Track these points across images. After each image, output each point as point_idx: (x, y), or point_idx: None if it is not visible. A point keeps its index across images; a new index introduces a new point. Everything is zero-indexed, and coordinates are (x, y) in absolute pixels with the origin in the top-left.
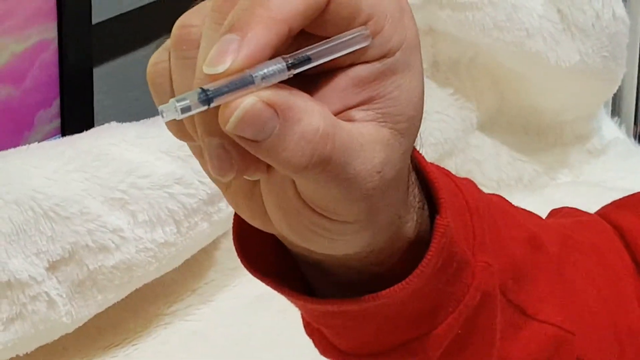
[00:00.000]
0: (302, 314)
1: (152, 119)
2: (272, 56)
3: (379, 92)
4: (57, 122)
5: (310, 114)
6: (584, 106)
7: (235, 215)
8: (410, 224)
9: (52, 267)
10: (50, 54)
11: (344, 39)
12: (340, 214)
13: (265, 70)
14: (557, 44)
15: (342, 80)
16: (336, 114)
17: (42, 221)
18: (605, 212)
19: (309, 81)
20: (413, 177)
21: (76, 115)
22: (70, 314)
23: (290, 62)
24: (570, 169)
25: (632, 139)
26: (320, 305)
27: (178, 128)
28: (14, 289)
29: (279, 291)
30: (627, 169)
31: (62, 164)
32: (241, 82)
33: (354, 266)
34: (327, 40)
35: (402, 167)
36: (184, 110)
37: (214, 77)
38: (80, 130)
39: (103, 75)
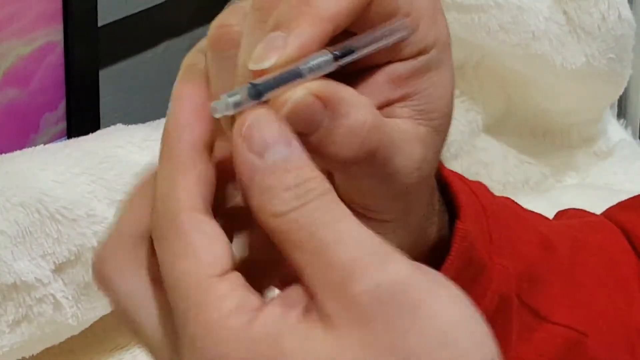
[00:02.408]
0: None
1: (158, 121)
2: None
3: (415, 89)
4: (63, 125)
5: (358, 107)
6: (590, 108)
7: None
8: (433, 228)
9: (58, 269)
10: (56, 57)
11: (385, 29)
12: (380, 212)
13: (313, 63)
14: (563, 46)
15: (379, 77)
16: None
17: (48, 223)
18: (610, 213)
19: (347, 80)
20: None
21: (82, 118)
22: (77, 316)
23: (336, 53)
24: (577, 171)
25: (638, 141)
26: None
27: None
28: (19, 291)
29: None
30: (633, 171)
31: (68, 166)
32: (290, 75)
33: None
34: (368, 31)
35: (435, 165)
36: (236, 105)
37: (259, 74)
38: (86, 133)
39: (109, 78)
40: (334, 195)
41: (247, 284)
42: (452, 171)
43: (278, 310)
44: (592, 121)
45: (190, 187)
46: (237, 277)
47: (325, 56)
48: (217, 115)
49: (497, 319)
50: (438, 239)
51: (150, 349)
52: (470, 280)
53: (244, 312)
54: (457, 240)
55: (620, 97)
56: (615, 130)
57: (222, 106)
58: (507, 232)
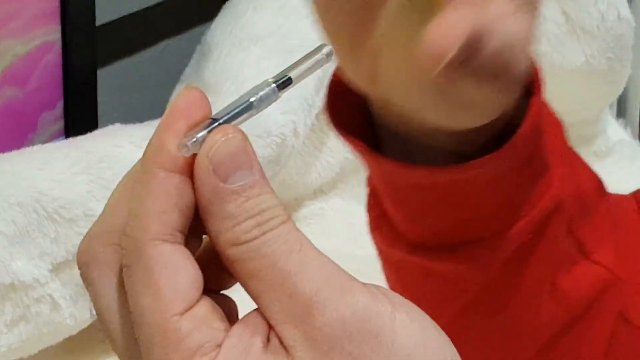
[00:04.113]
0: (370, 202)
1: (156, 121)
2: None
3: None
4: (60, 124)
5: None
6: (590, 108)
7: (334, 76)
8: (509, 103)
9: (56, 269)
10: (54, 56)
11: (314, 57)
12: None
13: (262, 94)
14: (562, 45)
15: None
16: None
17: (45, 223)
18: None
19: None
20: None
21: (80, 117)
22: (74, 316)
23: (278, 83)
24: None
25: (638, 141)
26: (411, 172)
27: None
28: (17, 291)
29: (368, 157)
30: (632, 171)
31: (66, 165)
32: (244, 109)
33: (442, 144)
34: (299, 60)
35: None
36: (195, 142)
37: None
38: (84, 132)
39: (107, 77)
40: (293, 224)
41: (214, 312)
42: None
43: (240, 341)
44: (591, 121)
45: (159, 214)
46: (202, 309)
47: (268, 88)
48: (184, 154)
49: (549, 226)
50: (510, 119)
51: (117, 354)
52: (532, 176)
53: (208, 350)
54: (531, 114)
55: (620, 96)
56: (615, 130)
57: (183, 146)
58: (570, 153)
